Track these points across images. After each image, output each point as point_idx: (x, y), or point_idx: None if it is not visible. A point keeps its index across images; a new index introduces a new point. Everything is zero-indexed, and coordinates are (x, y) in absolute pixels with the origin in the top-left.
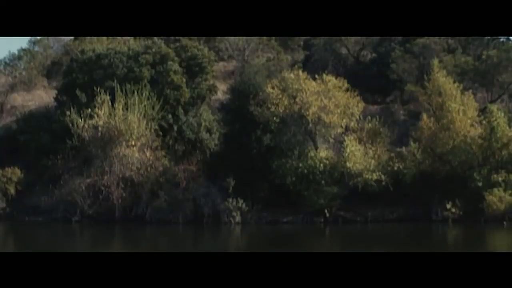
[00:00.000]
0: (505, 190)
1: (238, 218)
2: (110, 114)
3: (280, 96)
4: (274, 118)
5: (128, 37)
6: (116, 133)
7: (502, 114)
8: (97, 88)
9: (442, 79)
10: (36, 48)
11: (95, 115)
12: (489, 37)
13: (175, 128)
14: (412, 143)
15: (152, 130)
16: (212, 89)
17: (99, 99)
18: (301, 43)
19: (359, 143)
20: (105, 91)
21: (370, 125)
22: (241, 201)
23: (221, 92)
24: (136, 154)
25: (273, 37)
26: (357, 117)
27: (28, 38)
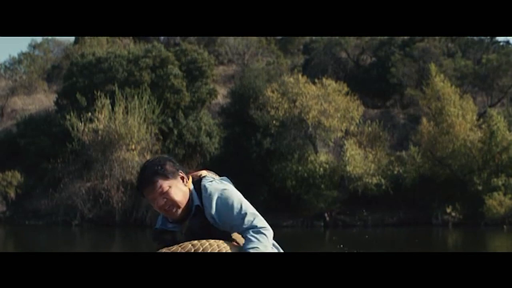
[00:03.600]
0: (505, 194)
1: None
2: (110, 118)
3: (280, 100)
4: (274, 122)
5: (128, 41)
6: (116, 137)
7: (502, 118)
8: (97, 92)
9: (440, 84)
10: (36, 52)
11: (95, 119)
12: (488, 41)
13: (175, 132)
14: (412, 147)
15: (152, 134)
16: (212, 93)
17: (99, 103)
18: (301, 47)
19: (359, 147)
20: (105, 95)
21: (370, 129)
22: None
23: (221, 96)
24: (136, 158)
25: (273, 42)
26: (357, 121)
27: (28, 42)
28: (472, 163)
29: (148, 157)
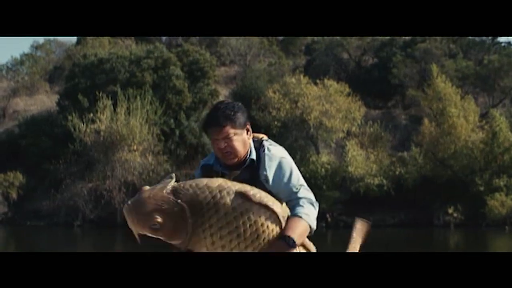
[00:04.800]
0: (506, 195)
1: None
2: (112, 118)
3: (282, 100)
4: (276, 123)
5: (130, 42)
6: (118, 137)
7: (504, 119)
8: (99, 93)
9: (442, 84)
10: (38, 53)
11: (97, 120)
12: (490, 42)
13: (177, 132)
14: (413, 147)
15: (154, 135)
16: (214, 94)
17: (101, 103)
18: (303, 48)
19: (361, 147)
20: (107, 96)
21: (371, 129)
22: None
23: (223, 96)
24: (138, 159)
25: (275, 43)
26: (359, 121)
27: (30, 43)
28: (474, 164)
29: (150, 158)
